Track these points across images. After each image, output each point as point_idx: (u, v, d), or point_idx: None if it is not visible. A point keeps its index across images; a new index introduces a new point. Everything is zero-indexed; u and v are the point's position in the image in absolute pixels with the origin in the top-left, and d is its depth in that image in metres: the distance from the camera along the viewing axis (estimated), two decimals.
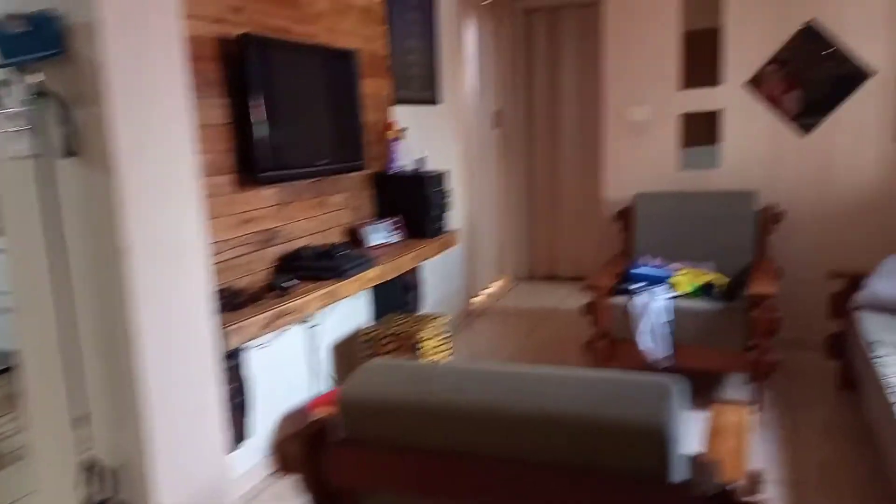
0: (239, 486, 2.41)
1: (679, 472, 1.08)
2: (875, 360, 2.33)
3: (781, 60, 3.48)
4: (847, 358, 2.91)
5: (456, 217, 3.94)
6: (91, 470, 1.79)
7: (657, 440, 1.05)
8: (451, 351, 3.26)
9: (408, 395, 1.23)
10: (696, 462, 1.12)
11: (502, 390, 1.18)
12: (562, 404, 1.13)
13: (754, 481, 1.79)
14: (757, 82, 3.54)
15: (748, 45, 3.52)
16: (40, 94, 1.67)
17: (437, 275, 3.87)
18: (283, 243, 2.56)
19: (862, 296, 2.80)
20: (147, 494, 1.79)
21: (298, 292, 2.31)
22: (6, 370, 4.17)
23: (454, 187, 3.76)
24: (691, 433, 1.35)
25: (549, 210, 5.37)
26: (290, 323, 2.26)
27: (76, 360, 1.77)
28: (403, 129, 3.16)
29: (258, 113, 2.32)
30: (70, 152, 1.68)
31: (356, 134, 2.86)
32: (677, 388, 1.13)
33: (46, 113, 1.67)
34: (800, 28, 3.41)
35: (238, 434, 2.32)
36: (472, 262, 4.63)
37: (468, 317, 4.45)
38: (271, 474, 2.53)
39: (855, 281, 2.90)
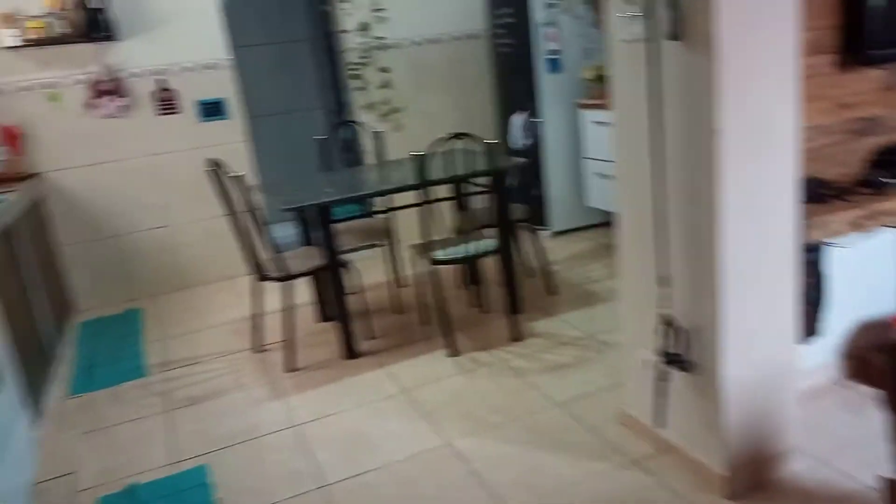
0: (803, 379, 2.39)
1: None
2: None
3: None
4: None
5: None
6: (668, 325, 2.05)
7: None
8: None
9: None
10: None
11: None
12: None
13: None
14: None
15: None
16: None
17: None
18: (882, 134, 2.26)
19: None
20: (715, 360, 1.96)
21: None
22: (606, 224, 4.95)
23: None
24: None
25: None
26: (882, 225, 2.04)
27: (664, 226, 2.00)
28: None
29: None
30: (674, 36, 1.81)
31: None
32: None
33: None
34: None
35: (809, 329, 2.28)
36: None
37: None
38: (840, 379, 2.43)
39: None
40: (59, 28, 3.99)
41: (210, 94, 4.50)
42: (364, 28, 4.75)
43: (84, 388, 3.30)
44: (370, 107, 4.91)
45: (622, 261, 2.29)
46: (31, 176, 4.09)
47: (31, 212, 3.84)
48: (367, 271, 4.52)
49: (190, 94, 4.45)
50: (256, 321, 3.52)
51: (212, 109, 4.51)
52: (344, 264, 3.25)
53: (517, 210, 3.67)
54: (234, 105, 4.57)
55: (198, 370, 3.37)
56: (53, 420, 3.01)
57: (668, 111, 1.90)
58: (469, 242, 3.21)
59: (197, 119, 4.50)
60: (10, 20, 3.91)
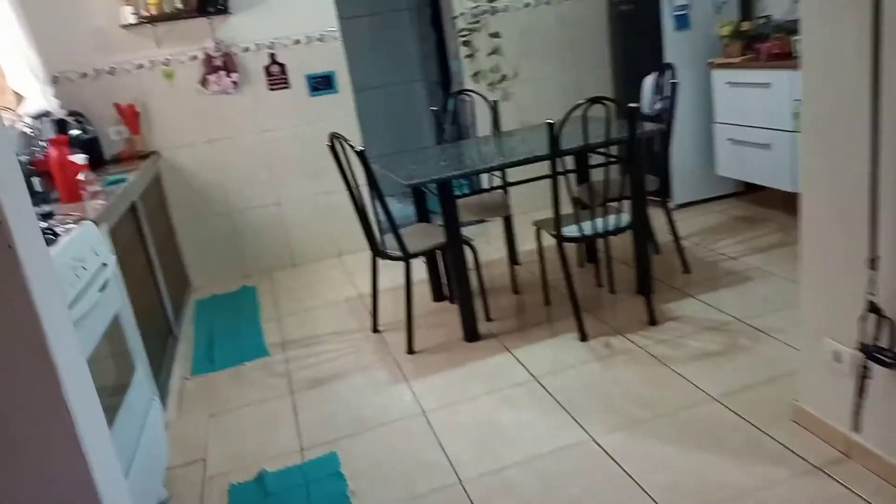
0: None
1: None
2: None
3: None
4: None
5: None
6: (874, 314, 1.74)
7: None
8: None
9: None
10: None
11: None
12: None
13: None
14: None
15: None
16: None
17: None
18: None
19: None
20: None
21: None
22: (736, 195, 4.54)
23: None
24: None
25: None
26: None
27: (874, 198, 1.69)
28: None
29: None
30: None
31: None
32: None
33: None
34: None
35: None
36: None
37: None
38: None
39: None
40: (174, 3, 3.96)
41: (319, 68, 4.39)
42: None
43: (206, 368, 3.28)
44: (478, 75, 4.68)
45: (807, 237, 1.98)
46: (149, 154, 4.13)
47: (150, 190, 3.87)
48: (480, 248, 4.34)
49: (299, 68, 4.36)
50: (374, 298, 3.40)
51: (321, 83, 4.41)
52: (467, 242, 3.07)
53: (648, 182, 3.37)
54: (343, 78, 4.45)
55: (317, 350, 3.30)
56: (177, 401, 3.00)
57: (890, 62, 1.58)
58: (598, 217, 2.96)
59: (307, 93, 4.41)
60: None
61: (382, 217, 2.98)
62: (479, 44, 4.63)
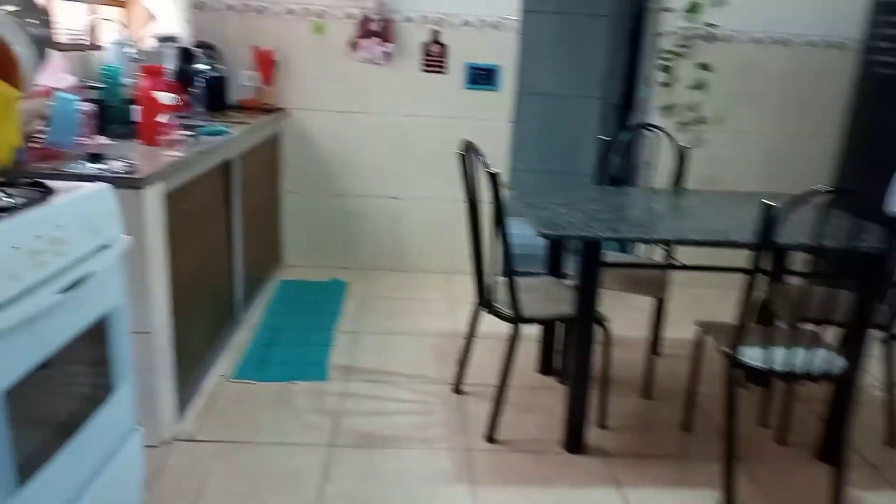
0: None
1: None
2: None
3: None
4: None
5: None
6: None
7: None
8: None
9: None
10: None
11: None
12: None
13: None
14: None
15: None
16: None
17: None
18: None
19: None
20: None
21: None
22: None
23: None
24: None
25: None
26: None
27: None
28: None
29: None
30: None
31: None
32: None
33: None
34: None
35: None
36: None
37: None
38: None
39: None
40: None
41: (483, 59, 3.73)
42: (693, 9, 3.66)
43: (252, 374, 2.74)
44: (669, 109, 3.83)
45: None
46: (276, 110, 3.66)
47: (261, 149, 3.39)
48: (614, 320, 3.51)
49: (461, 53, 3.72)
50: (465, 352, 2.71)
51: (481, 76, 3.75)
52: (600, 321, 2.30)
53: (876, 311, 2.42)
54: (508, 76, 3.77)
55: (383, 393, 2.66)
56: (201, 410, 2.46)
57: None
58: (798, 345, 2.07)
59: (462, 84, 3.77)
60: None
61: (504, 259, 2.27)
62: (682, 73, 3.78)
